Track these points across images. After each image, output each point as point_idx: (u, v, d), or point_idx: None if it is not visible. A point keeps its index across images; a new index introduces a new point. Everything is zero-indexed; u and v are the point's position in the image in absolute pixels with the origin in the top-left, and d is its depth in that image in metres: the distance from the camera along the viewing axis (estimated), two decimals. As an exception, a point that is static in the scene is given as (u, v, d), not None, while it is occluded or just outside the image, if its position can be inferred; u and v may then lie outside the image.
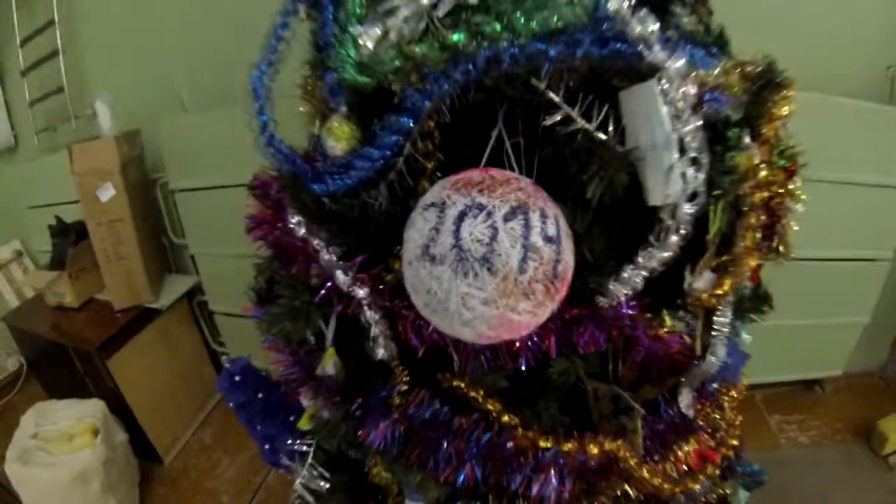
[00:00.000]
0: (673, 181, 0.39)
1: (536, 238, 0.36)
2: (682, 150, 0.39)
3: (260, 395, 0.69)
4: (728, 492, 0.72)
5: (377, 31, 0.40)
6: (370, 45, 0.40)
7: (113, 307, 1.38)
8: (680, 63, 0.37)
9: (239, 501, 1.33)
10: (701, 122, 0.37)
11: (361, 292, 0.47)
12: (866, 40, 1.21)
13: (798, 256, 0.62)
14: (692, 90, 0.37)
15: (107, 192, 1.24)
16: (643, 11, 0.36)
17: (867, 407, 1.40)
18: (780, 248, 0.56)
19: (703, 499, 0.64)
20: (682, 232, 0.40)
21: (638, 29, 0.37)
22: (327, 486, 0.64)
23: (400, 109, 0.41)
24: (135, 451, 1.35)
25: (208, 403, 1.66)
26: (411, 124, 0.40)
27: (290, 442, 0.64)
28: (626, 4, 0.36)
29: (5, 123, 2.04)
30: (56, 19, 1.61)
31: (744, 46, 0.57)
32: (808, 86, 0.79)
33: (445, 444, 0.46)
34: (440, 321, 0.40)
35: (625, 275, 0.43)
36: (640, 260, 0.42)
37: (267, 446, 0.69)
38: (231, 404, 0.71)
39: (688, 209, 0.39)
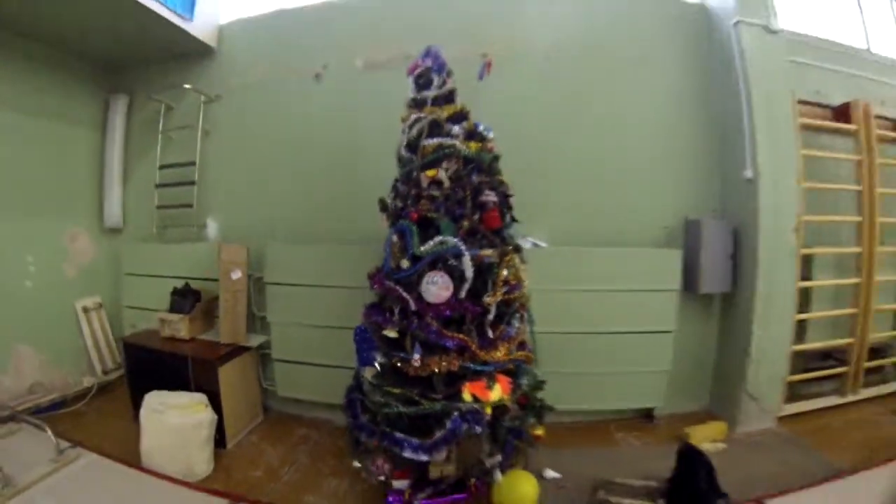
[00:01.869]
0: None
1: (445, 280, 1.78)
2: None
3: (363, 337, 2.06)
4: (529, 419, 2.04)
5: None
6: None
7: (215, 342, 2.68)
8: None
9: (279, 470, 2.41)
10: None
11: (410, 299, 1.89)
12: (659, 208, 2.87)
13: (616, 330, 2.09)
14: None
15: (236, 274, 2.62)
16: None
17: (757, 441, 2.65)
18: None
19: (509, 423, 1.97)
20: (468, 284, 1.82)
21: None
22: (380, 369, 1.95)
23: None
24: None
25: (257, 419, 2.85)
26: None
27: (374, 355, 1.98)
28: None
29: (120, 210, 3.57)
30: (197, 162, 3.25)
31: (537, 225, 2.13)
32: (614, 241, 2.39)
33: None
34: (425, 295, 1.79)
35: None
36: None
37: (364, 355, 2.02)
38: (356, 338, 2.06)
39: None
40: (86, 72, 3.43)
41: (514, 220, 2.05)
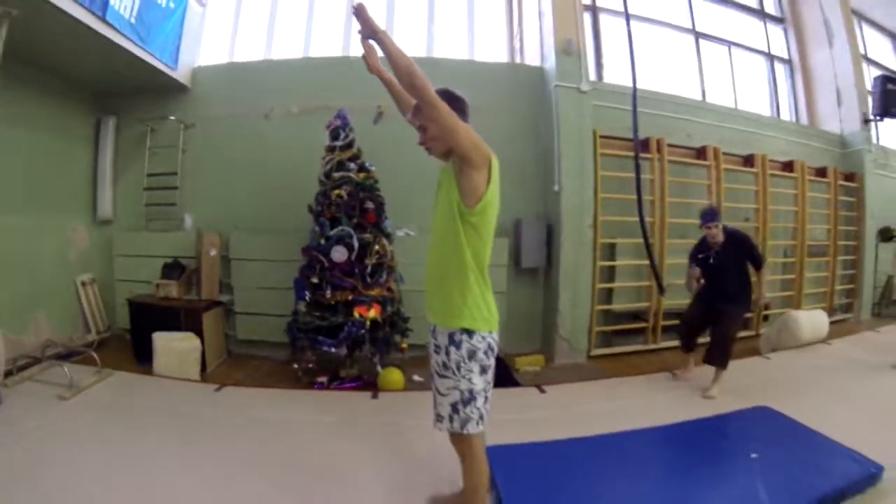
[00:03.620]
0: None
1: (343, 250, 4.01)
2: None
3: (298, 285, 4.27)
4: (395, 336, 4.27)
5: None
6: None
7: (196, 300, 4.87)
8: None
9: (242, 380, 4.49)
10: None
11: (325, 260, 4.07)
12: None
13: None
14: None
15: (213, 252, 4.80)
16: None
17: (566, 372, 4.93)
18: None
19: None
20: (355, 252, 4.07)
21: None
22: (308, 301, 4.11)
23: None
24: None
25: (223, 357, 5.02)
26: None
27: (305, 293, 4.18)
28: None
29: (110, 206, 5.58)
30: (178, 172, 5.32)
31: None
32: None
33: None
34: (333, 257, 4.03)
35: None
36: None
37: (299, 294, 4.22)
38: (295, 285, 4.27)
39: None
40: (82, 97, 5.47)
41: (386, 217, 4.27)
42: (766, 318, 6.26)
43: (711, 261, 4.06)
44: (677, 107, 5.93)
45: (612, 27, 6.39)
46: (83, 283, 5.42)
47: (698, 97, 6.73)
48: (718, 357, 3.99)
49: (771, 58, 7.87)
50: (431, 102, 1.81)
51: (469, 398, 1.95)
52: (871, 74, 7.86)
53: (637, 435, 3.15)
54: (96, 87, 5.43)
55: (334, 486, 2.61)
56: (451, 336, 1.95)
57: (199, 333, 4.57)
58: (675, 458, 2.93)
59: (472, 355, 1.94)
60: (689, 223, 5.77)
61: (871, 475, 2.61)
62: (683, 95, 6.24)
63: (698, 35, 7.12)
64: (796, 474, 2.63)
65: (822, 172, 7.04)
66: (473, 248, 1.97)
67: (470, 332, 1.94)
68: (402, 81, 1.81)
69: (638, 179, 4.90)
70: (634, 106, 4.84)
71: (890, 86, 7.26)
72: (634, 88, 4.89)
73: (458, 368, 1.94)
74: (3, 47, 3.67)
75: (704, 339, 4.30)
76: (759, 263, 4.00)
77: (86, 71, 5.01)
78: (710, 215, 4.02)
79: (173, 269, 4.92)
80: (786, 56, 8.01)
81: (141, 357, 4.62)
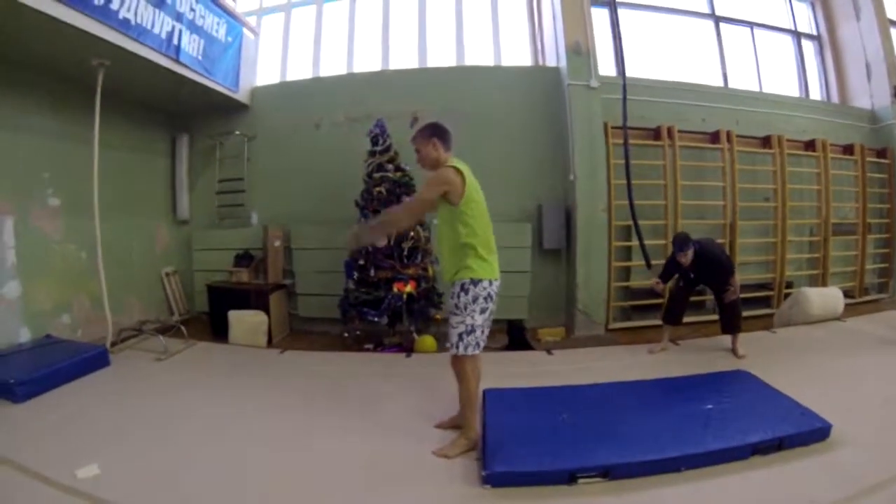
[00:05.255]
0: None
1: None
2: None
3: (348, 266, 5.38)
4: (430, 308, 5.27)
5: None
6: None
7: (264, 283, 6.12)
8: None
9: (302, 350, 5.58)
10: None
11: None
12: (524, 198, 6.06)
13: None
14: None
15: (276, 243, 5.99)
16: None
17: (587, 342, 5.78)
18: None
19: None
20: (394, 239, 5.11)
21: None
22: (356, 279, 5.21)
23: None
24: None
25: (285, 332, 6.20)
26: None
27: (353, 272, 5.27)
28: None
29: (187, 208, 6.89)
30: (245, 178, 6.55)
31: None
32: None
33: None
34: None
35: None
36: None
37: (349, 273, 5.33)
38: (345, 267, 5.40)
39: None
40: (160, 119, 6.79)
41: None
42: (786, 296, 6.81)
43: (691, 276, 4.76)
44: (690, 93, 6.61)
45: (631, 20, 7.15)
46: (167, 274, 6.74)
47: (718, 83, 7.35)
48: (733, 327, 4.74)
49: (797, 35, 8.30)
50: (420, 204, 3.08)
51: (471, 330, 2.85)
52: (901, 45, 8.15)
53: (617, 385, 3.90)
54: (171, 110, 6.73)
55: (366, 413, 3.59)
56: (461, 285, 2.85)
57: (266, 311, 5.72)
58: (641, 404, 3.54)
59: (475, 299, 2.84)
60: (706, 204, 6.50)
61: (817, 429, 2.97)
62: (697, 82, 6.90)
63: (718, 19, 7.71)
64: (741, 423, 3.07)
65: (849, 150, 7.43)
66: (469, 227, 2.86)
67: (475, 281, 2.84)
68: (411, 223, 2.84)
69: (627, 165, 5.69)
70: (624, 96, 5.59)
71: (920, 56, 7.56)
72: (624, 79, 5.62)
73: (465, 308, 2.84)
74: (100, 89, 4.96)
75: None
76: (726, 273, 4.60)
77: (163, 99, 6.32)
78: (680, 245, 4.59)
79: (243, 258, 6.14)
80: (813, 32, 8.42)
81: (218, 332, 5.83)
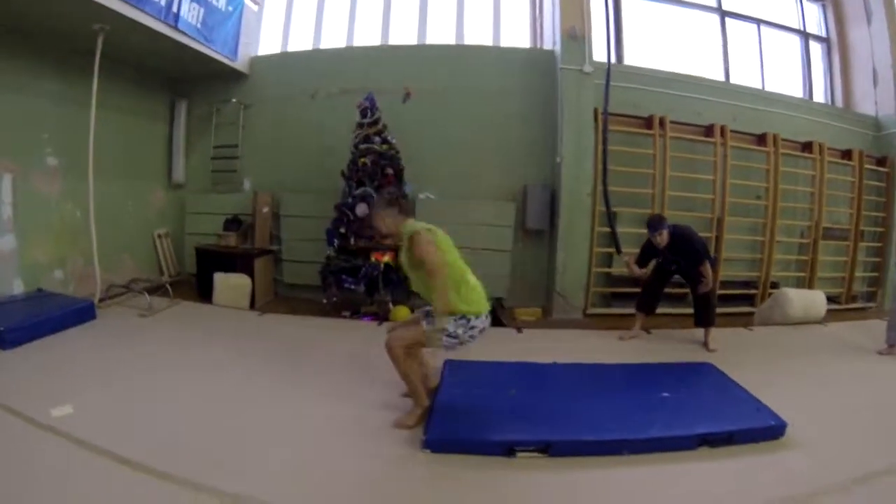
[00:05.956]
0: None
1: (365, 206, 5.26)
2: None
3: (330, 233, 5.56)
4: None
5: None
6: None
7: (251, 248, 6.32)
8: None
9: (284, 314, 5.80)
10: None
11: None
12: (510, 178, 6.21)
13: (478, 247, 5.62)
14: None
15: (265, 209, 6.19)
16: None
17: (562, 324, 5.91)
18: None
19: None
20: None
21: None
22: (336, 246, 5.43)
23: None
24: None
25: (270, 296, 6.41)
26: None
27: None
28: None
29: (183, 172, 7.12)
30: (239, 144, 6.76)
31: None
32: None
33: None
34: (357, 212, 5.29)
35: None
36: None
37: (330, 241, 5.52)
38: (327, 234, 5.57)
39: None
40: (159, 84, 6.99)
41: (406, 182, 5.42)
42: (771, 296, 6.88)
43: (664, 263, 4.86)
44: (688, 85, 6.67)
45: (636, 9, 7.23)
46: (159, 236, 6.97)
47: (719, 77, 7.41)
48: (706, 320, 4.84)
49: (805, 36, 8.31)
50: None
51: (453, 337, 2.89)
52: (910, 54, 8.13)
53: (576, 366, 4.02)
54: (171, 76, 6.93)
55: (326, 376, 3.82)
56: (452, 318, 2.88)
57: (251, 275, 5.93)
58: (595, 386, 3.63)
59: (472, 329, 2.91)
60: (695, 197, 6.58)
61: (770, 427, 2.99)
62: (695, 74, 6.95)
63: (724, 14, 7.75)
64: (693, 414, 3.11)
65: (847, 155, 7.43)
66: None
67: (466, 318, 2.89)
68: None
69: (605, 151, 5.80)
70: (607, 81, 5.66)
71: (927, 65, 7.52)
72: (609, 63, 5.70)
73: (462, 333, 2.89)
74: (99, 53, 5.15)
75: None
76: (700, 257, 4.67)
77: (162, 65, 6.51)
78: (654, 226, 4.72)
79: (232, 223, 6.36)
80: (821, 34, 8.42)
81: (204, 294, 6.05)
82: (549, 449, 2.76)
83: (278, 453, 2.72)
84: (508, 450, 2.75)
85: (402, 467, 2.66)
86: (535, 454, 2.76)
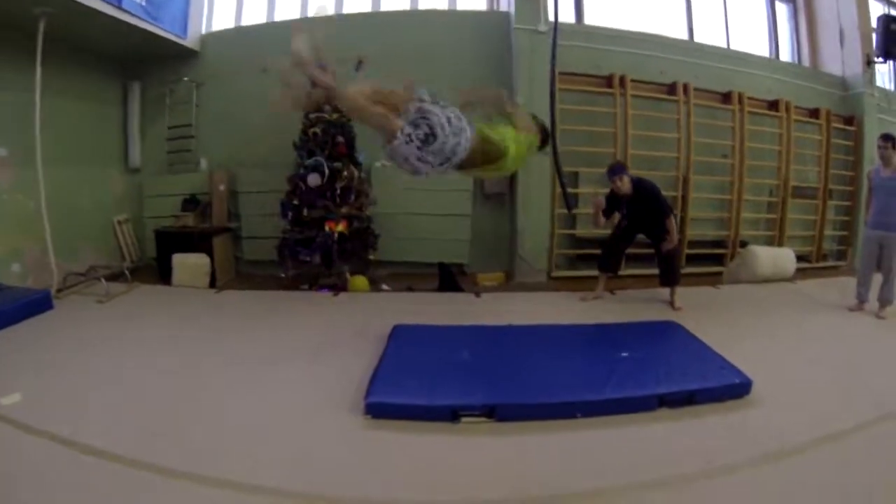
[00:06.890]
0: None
1: (317, 176, 5.27)
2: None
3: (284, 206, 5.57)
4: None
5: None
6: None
7: (209, 226, 6.28)
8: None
9: (245, 290, 5.83)
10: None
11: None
12: None
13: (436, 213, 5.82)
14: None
15: (221, 187, 6.19)
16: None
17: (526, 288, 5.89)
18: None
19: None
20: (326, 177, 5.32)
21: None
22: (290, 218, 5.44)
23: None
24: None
25: (231, 275, 6.40)
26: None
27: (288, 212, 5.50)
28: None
29: (139, 156, 7.07)
30: (193, 124, 6.73)
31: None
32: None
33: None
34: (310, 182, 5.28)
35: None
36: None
37: (285, 213, 5.55)
38: (281, 206, 5.60)
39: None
40: (110, 67, 6.90)
41: (360, 150, 5.41)
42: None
43: (626, 216, 4.82)
44: (650, 44, 6.65)
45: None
46: (119, 222, 6.91)
47: (683, 35, 7.40)
48: (670, 279, 4.88)
49: (770, -4, 8.33)
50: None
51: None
52: (876, 14, 8.12)
53: (533, 328, 3.98)
54: (121, 58, 6.82)
55: (272, 344, 3.87)
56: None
57: (210, 254, 5.90)
58: (551, 348, 3.56)
59: None
60: (659, 155, 6.59)
61: (734, 385, 2.90)
62: (658, 33, 6.95)
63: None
64: (653, 373, 3.01)
65: (814, 114, 7.44)
66: None
67: None
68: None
69: (552, 107, 5.63)
70: (554, 39, 5.57)
71: (893, 26, 7.32)
72: (556, 21, 5.63)
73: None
74: (42, 37, 5.03)
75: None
76: (663, 212, 4.69)
77: (111, 47, 6.39)
78: (613, 171, 4.75)
79: (190, 202, 6.33)
80: (787, -6, 8.43)
81: (165, 277, 5.99)
82: (494, 413, 2.68)
83: (224, 424, 2.72)
84: (452, 414, 2.68)
85: (339, 435, 2.62)
86: (480, 419, 2.67)
